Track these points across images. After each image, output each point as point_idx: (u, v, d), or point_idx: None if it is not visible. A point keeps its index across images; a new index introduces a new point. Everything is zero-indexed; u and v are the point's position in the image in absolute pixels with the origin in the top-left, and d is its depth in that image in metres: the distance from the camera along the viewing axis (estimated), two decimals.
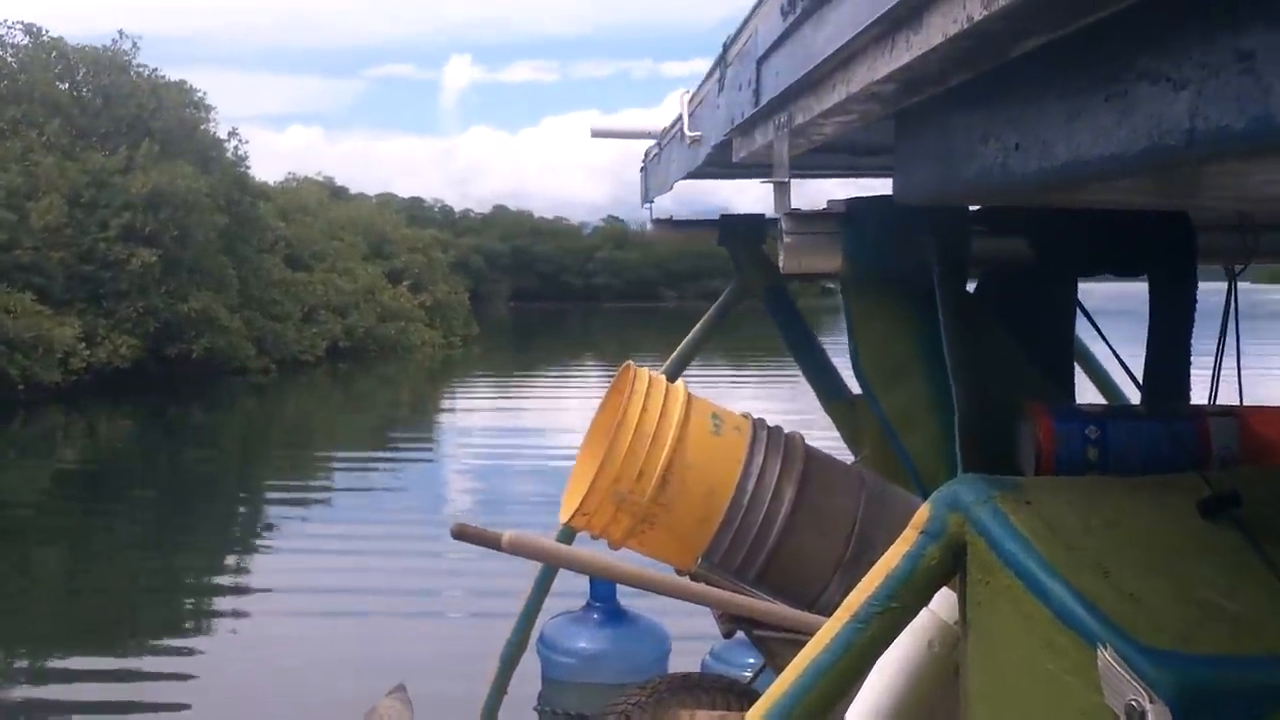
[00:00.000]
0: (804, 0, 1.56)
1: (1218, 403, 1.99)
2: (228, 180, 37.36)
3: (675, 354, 4.22)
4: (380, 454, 20.46)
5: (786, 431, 3.19)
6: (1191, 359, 2.04)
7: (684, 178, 3.33)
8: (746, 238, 4.01)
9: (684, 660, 4.47)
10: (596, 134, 4.11)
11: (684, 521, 3.02)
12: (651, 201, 4.10)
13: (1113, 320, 2.30)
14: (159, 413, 27.51)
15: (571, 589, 4.60)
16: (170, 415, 27.33)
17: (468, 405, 28.90)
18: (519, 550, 3.18)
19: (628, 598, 4.33)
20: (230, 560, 12.97)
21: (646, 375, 3.15)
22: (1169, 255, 2.02)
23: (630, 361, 3.21)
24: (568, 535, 3.77)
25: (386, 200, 73.51)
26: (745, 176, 3.38)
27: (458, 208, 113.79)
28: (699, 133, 2.72)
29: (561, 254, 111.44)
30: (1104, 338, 2.27)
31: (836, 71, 1.48)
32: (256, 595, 11.07)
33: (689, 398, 3.11)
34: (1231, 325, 2.05)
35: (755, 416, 3.21)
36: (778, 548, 3.01)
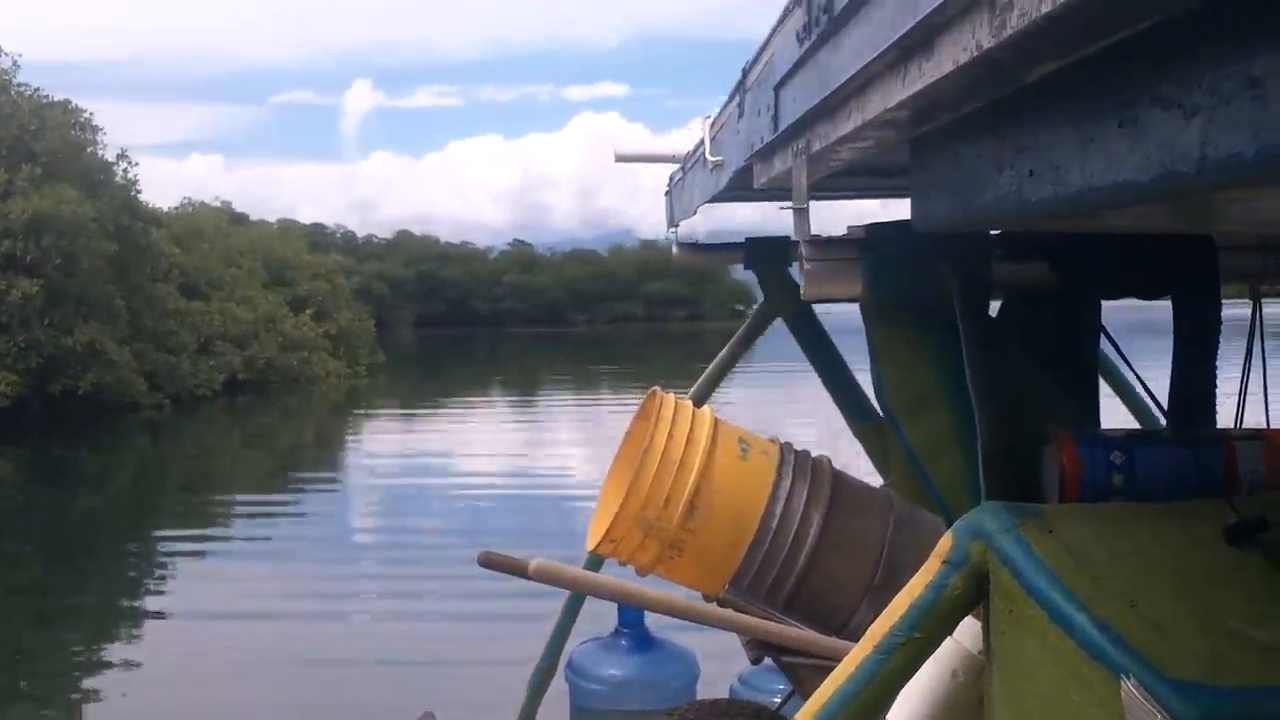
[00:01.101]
0: (819, 25, 1.55)
1: (1244, 426, 1.97)
2: (116, 205, 35.21)
3: (702, 378, 4.21)
4: (283, 495, 19.11)
5: (814, 455, 3.18)
6: (1218, 381, 2.02)
7: (706, 202, 3.33)
8: (772, 261, 4.00)
9: (713, 686, 4.45)
10: (621, 158, 4.11)
11: (711, 547, 3.01)
12: (676, 225, 4.09)
13: (1153, 341, 2.26)
14: (42, 454, 25.16)
15: (599, 613, 4.59)
16: (54, 457, 24.92)
17: (375, 438, 27.75)
18: (545, 578, 3.17)
19: (656, 623, 4.31)
20: (118, 629, 11.24)
21: (673, 401, 3.14)
22: (1191, 277, 2.00)
23: (656, 387, 3.21)
24: (595, 562, 3.76)
25: (288, 226, 71.42)
26: (768, 200, 3.38)
27: (361, 233, 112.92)
28: (720, 157, 2.71)
29: (468, 279, 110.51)
30: (1127, 362, 2.25)
31: (851, 99, 1.47)
32: (140, 672, 9.57)
33: (715, 423, 3.10)
34: (1257, 346, 2.03)
35: (783, 440, 3.20)
36: (805, 573, 3.00)
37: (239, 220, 58.75)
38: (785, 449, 3.14)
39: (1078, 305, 2.02)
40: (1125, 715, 1.34)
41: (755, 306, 4.27)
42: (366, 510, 17.64)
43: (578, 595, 4.33)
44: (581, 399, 35.70)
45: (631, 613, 4.30)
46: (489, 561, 3.17)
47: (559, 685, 4.56)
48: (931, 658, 1.65)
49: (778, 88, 1.90)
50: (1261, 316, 2.09)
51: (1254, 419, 2.03)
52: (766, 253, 3.99)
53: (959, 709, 1.78)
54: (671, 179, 4.12)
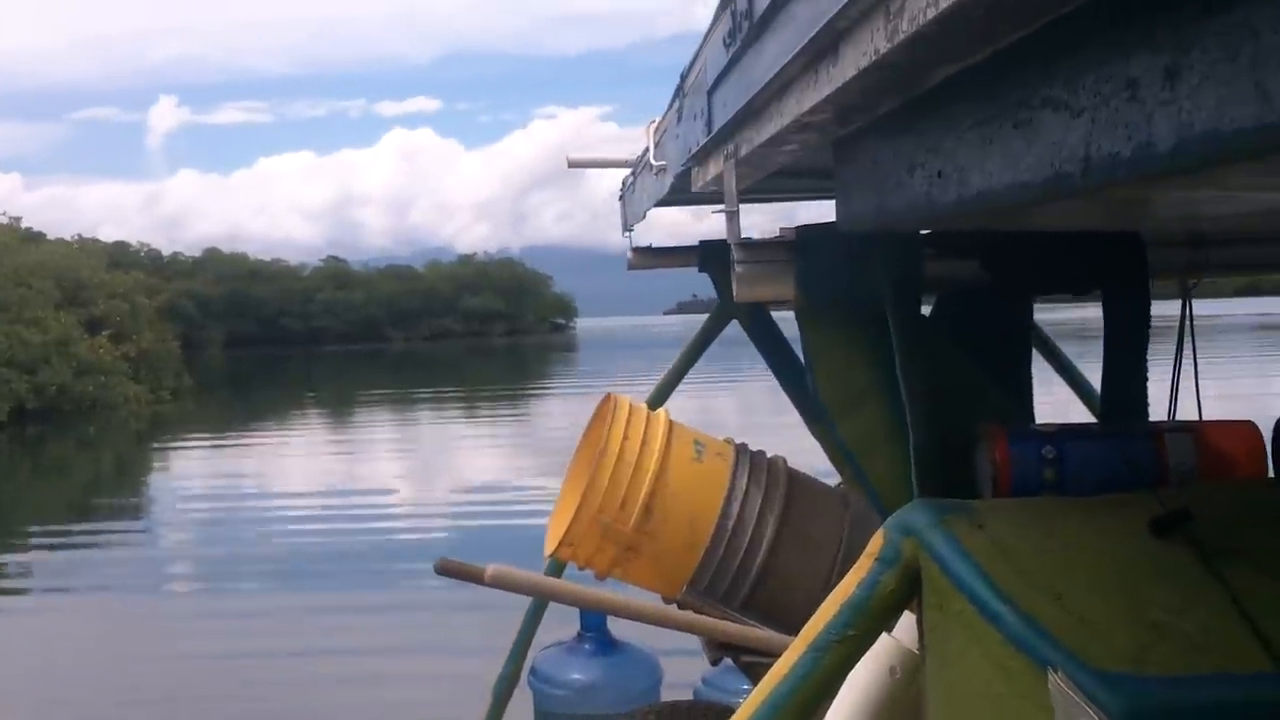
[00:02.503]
0: (742, 31, 1.57)
1: (1177, 418, 1.99)
2: None
3: (659, 382, 4.22)
4: (81, 530, 17.19)
5: (770, 455, 3.19)
6: (1148, 376, 2.04)
7: (652, 206, 3.34)
8: (725, 263, 4.00)
9: (678, 688, 4.46)
10: (574, 164, 4.11)
11: (669, 549, 3.02)
12: (631, 230, 4.09)
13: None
14: None
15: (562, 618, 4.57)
16: None
17: (182, 467, 25.25)
18: (502, 584, 3.16)
19: (619, 627, 4.32)
20: None
21: (627, 404, 3.15)
22: (1120, 273, 2.01)
23: (610, 392, 3.21)
24: (555, 567, 3.77)
25: (87, 245, 66.05)
26: (711, 203, 3.39)
27: (167, 252, 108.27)
28: (664, 162, 2.72)
29: (280, 297, 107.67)
30: (1059, 358, 2.27)
31: (772, 102, 1.48)
32: None
33: (670, 425, 3.11)
34: (1188, 340, 2.05)
35: (738, 442, 3.20)
36: (763, 573, 3.00)
37: (34, 239, 55.41)
38: (740, 450, 3.15)
39: (1010, 302, 2.04)
40: (1054, 706, 1.35)
41: (710, 312, 4.27)
42: (172, 542, 16.23)
43: (539, 602, 4.33)
44: (403, 419, 34.03)
45: (593, 617, 4.31)
46: (445, 569, 3.17)
47: (523, 692, 4.56)
48: (869, 655, 1.67)
49: (710, 92, 1.91)
50: (1191, 310, 2.11)
51: (1186, 412, 2.05)
52: (719, 255, 4.00)
53: (898, 706, 1.80)
54: (624, 184, 4.13)
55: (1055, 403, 3.52)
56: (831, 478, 3.55)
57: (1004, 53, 1.01)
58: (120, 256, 76.12)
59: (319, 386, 52.13)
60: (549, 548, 3.11)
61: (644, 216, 3.65)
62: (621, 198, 4.19)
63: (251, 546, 15.01)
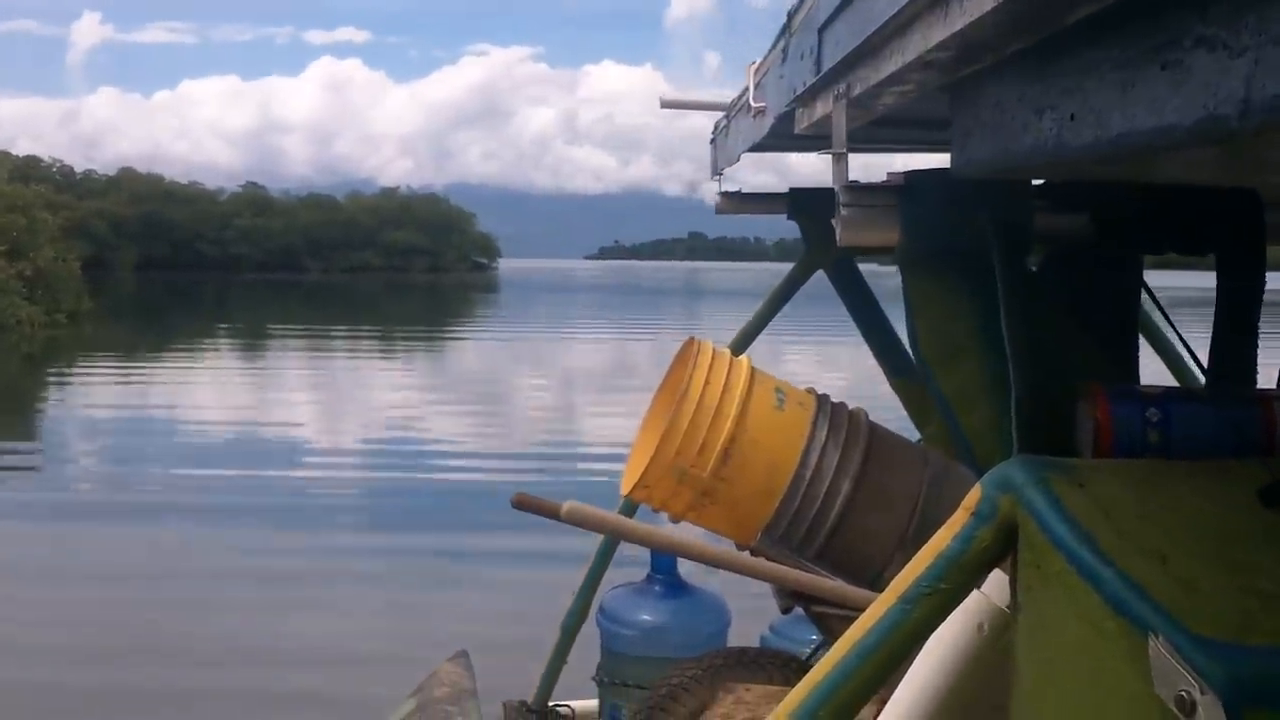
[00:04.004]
0: None
1: None
2: None
3: (742, 329, 4.20)
4: None
5: (851, 408, 3.16)
6: (1259, 342, 1.98)
7: (748, 150, 3.29)
8: (815, 211, 3.96)
9: (744, 635, 4.45)
10: (666, 104, 4.07)
11: (745, 496, 3.01)
12: (721, 174, 4.05)
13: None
14: None
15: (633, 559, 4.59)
16: None
17: (77, 397, 23.70)
18: (578, 521, 3.17)
19: (688, 570, 4.32)
20: None
21: (710, 349, 3.13)
22: (1236, 234, 1.96)
23: (693, 335, 3.19)
24: (629, 507, 3.77)
25: None
26: (810, 149, 3.34)
27: (81, 169, 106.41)
28: (764, 103, 2.68)
29: (196, 220, 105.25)
30: (1169, 319, 2.21)
31: (893, 39, 1.44)
32: None
33: (752, 372, 3.09)
34: None
35: (820, 392, 3.18)
36: (839, 525, 2.99)
37: None
38: (822, 400, 3.13)
39: (1119, 259, 1.99)
40: (1152, 672, 1.32)
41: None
42: (64, 480, 15.43)
43: (610, 540, 4.34)
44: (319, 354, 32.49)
45: (664, 559, 4.30)
46: (522, 503, 3.18)
47: (590, 629, 4.58)
48: (957, 610, 1.64)
49: (821, 30, 1.87)
50: None
51: None
52: (809, 203, 3.96)
53: (984, 662, 1.77)
54: (716, 127, 4.08)
55: (1159, 368, 3.45)
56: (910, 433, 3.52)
57: None
58: (30, 170, 73.88)
59: (232, 316, 49.57)
60: (625, 488, 3.11)
61: (738, 159, 3.61)
62: (713, 141, 4.15)
63: (148, 486, 14.51)
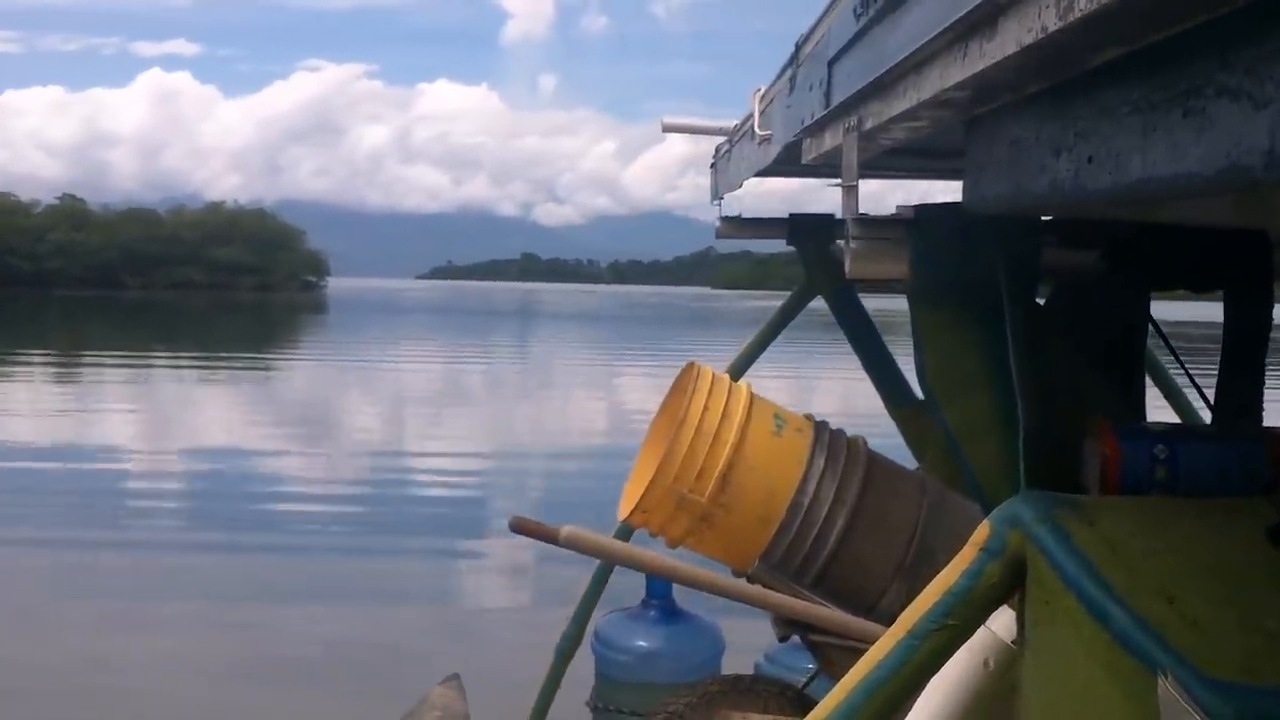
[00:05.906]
0: (877, 2, 1.54)
1: None
2: None
3: (739, 353, 4.20)
4: None
5: (849, 435, 3.17)
6: (1265, 380, 1.99)
7: (753, 176, 3.31)
8: (815, 238, 3.97)
9: (739, 662, 4.44)
10: (668, 129, 4.09)
11: (743, 522, 3.00)
12: (721, 199, 4.06)
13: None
14: None
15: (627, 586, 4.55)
16: None
17: None
18: (576, 546, 3.17)
19: (684, 597, 4.31)
20: None
21: (710, 374, 3.13)
22: (1244, 272, 1.97)
23: (693, 360, 3.19)
24: (626, 532, 3.77)
25: None
26: (815, 176, 3.35)
27: None
28: (769, 131, 2.69)
29: (7, 233, 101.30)
30: (1175, 355, 2.22)
31: (908, 76, 1.45)
32: None
33: (751, 398, 3.09)
34: None
35: (818, 419, 3.18)
36: (836, 552, 2.99)
37: None
38: (820, 427, 3.13)
39: (1127, 295, 1.99)
40: (1161, 711, 1.32)
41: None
42: None
43: (606, 565, 4.33)
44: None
45: (660, 584, 4.30)
46: (520, 528, 3.18)
47: (585, 654, 4.57)
48: (964, 646, 1.64)
49: (831, 63, 1.88)
50: None
51: None
52: (809, 229, 3.97)
53: (989, 698, 1.77)
54: (718, 152, 4.10)
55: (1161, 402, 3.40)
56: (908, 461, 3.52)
57: (1175, 38, 0.97)
58: None
59: (44, 335, 45.36)
60: (623, 513, 3.11)
61: (740, 185, 3.62)
62: (713, 165, 4.16)
63: None
